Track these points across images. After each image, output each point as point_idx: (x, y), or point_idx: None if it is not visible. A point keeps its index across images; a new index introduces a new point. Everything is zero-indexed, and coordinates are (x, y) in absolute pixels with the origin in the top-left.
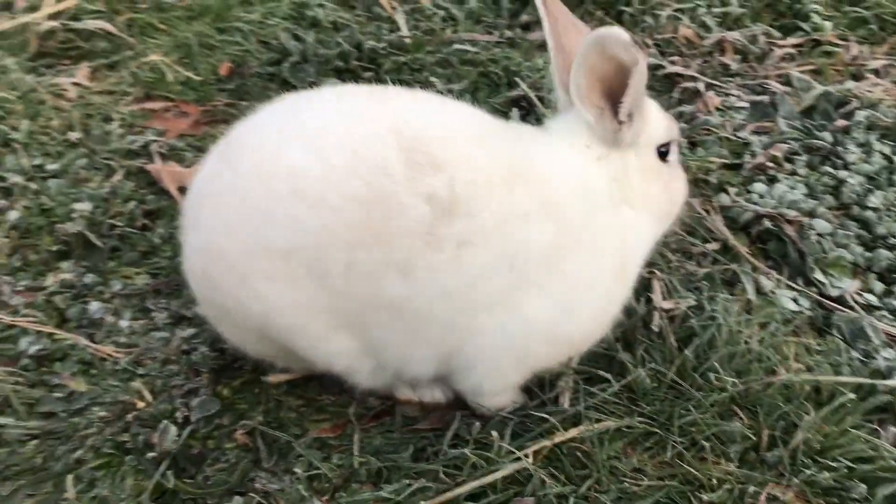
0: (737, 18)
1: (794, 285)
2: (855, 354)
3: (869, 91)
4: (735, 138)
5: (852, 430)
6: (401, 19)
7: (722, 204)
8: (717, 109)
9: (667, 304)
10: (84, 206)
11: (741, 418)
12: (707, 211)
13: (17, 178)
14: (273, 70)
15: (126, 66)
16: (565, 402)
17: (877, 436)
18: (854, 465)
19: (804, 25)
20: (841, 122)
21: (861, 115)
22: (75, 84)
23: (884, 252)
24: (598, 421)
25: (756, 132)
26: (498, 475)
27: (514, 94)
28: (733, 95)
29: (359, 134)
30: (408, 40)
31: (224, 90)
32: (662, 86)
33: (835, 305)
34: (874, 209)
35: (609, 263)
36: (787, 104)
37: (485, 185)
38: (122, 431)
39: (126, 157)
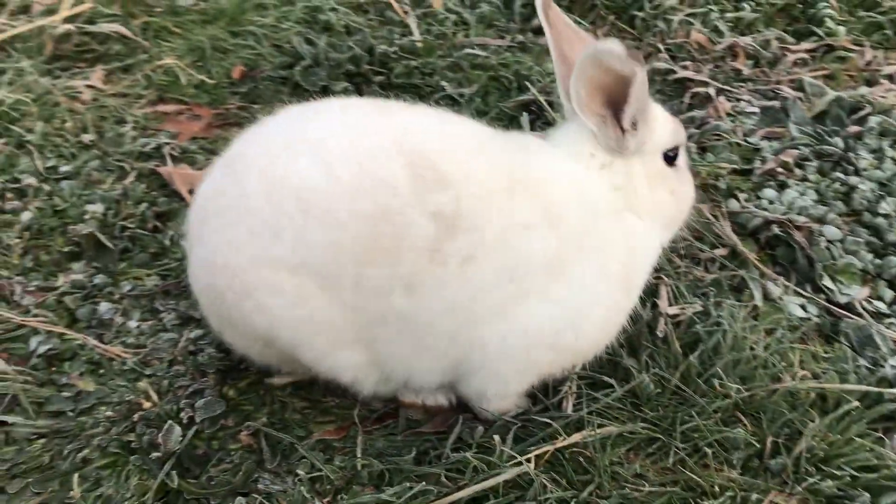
0: (750, 23)
1: (802, 292)
2: (862, 362)
3: (882, 97)
4: (745, 144)
5: (857, 439)
6: (413, 23)
7: (731, 210)
8: (728, 115)
9: (672, 310)
10: (96, 208)
11: (745, 425)
12: (716, 216)
13: (30, 180)
14: (285, 74)
15: (140, 69)
16: (568, 407)
17: (882, 444)
18: (858, 474)
19: (818, 30)
20: (853, 128)
21: (874, 121)
22: (90, 87)
23: (894, 259)
24: (600, 426)
25: (767, 138)
26: (499, 479)
27: (525, 98)
28: (744, 100)
29: (364, 148)
30: (419, 44)
31: (236, 93)
32: (673, 90)
33: (843, 312)
34: (885, 216)
35: (613, 272)
36: (798, 109)
37: (487, 197)
38: (127, 431)
39: (138, 159)
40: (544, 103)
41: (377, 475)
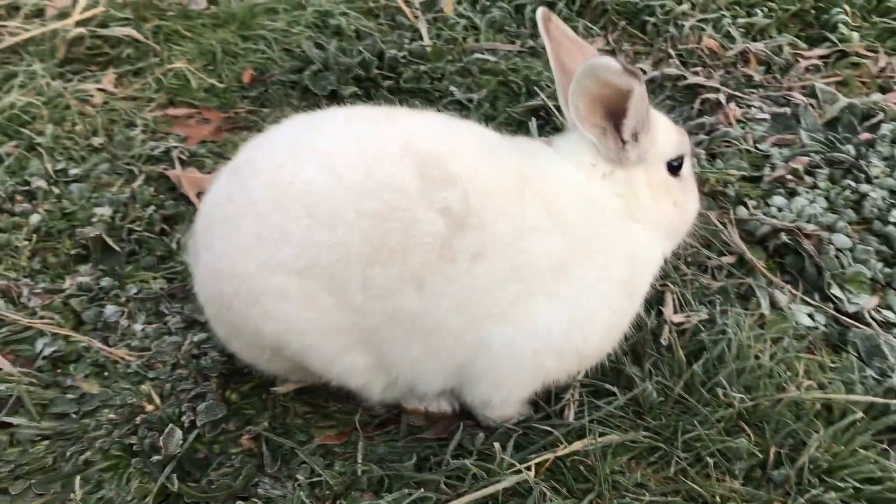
0: (762, 29)
1: (810, 301)
2: (870, 372)
3: (895, 104)
4: (755, 150)
5: (861, 451)
6: (423, 28)
7: (739, 217)
8: (738, 121)
9: (677, 318)
10: (104, 211)
11: (748, 435)
12: (724, 224)
13: (40, 182)
14: (295, 78)
15: (151, 73)
16: (570, 414)
17: (886, 456)
18: (861, 486)
19: (831, 36)
20: (865, 135)
21: (886, 129)
22: (100, 90)
23: None
24: (602, 434)
25: (777, 144)
26: (499, 487)
27: (534, 103)
28: (755, 107)
29: (371, 152)
30: (429, 49)
31: (246, 97)
32: (683, 96)
33: (851, 322)
34: None
35: (616, 276)
36: (810, 116)
37: (496, 196)
38: (130, 434)
39: (147, 162)
40: (553, 109)
41: (377, 481)
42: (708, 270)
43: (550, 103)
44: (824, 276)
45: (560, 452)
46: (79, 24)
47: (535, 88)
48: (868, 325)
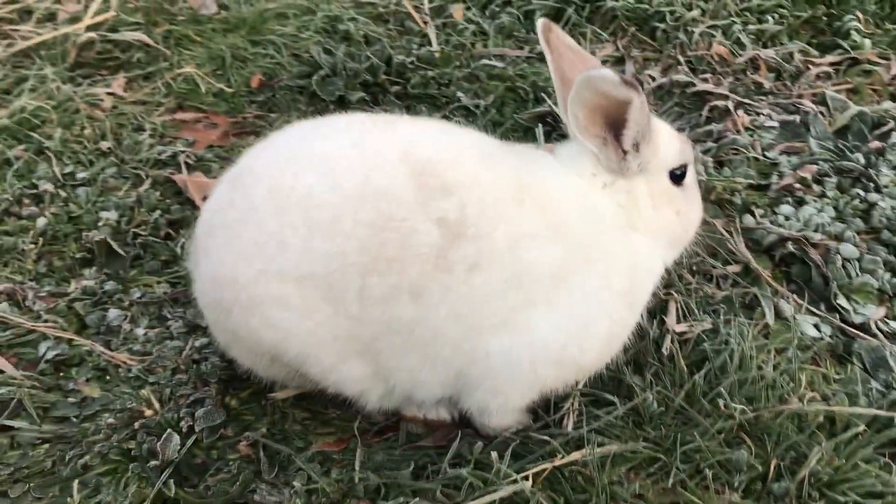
0: (773, 35)
1: (815, 311)
2: (874, 384)
3: None
4: (764, 158)
5: (863, 464)
6: (432, 33)
7: (745, 226)
8: (747, 129)
9: (680, 327)
10: (110, 215)
11: (749, 447)
12: (729, 232)
13: (47, 186)
14: (303, 83)
15: (161, 77)
16: (569, 424)
17: (889, 470)
18: (863, 500)
19: (843, 43)
20: (875, 144)
21: None
22: (110, 94)
23: None
24: (601, 444)
25: (786, 152)
26: (495, 497)
27: (541, 110)
28: (763, 114)
29: (369, 160)
30: (437, 55)
31: (254, 102)
32: (692, 103)
33: (857, 333)
34: None
35: (616, 286)
36: (819, 124)
37: (493, 205)
38: (128, 439)
39: (154, 166)
40: (560, 115)
41: (374, 489)
42: (713, 279)
43: (557, 110)
44: (831, 287)
45: (558, 462)
46: (90, 28)
47: (543, 94)
48: (874, 336)
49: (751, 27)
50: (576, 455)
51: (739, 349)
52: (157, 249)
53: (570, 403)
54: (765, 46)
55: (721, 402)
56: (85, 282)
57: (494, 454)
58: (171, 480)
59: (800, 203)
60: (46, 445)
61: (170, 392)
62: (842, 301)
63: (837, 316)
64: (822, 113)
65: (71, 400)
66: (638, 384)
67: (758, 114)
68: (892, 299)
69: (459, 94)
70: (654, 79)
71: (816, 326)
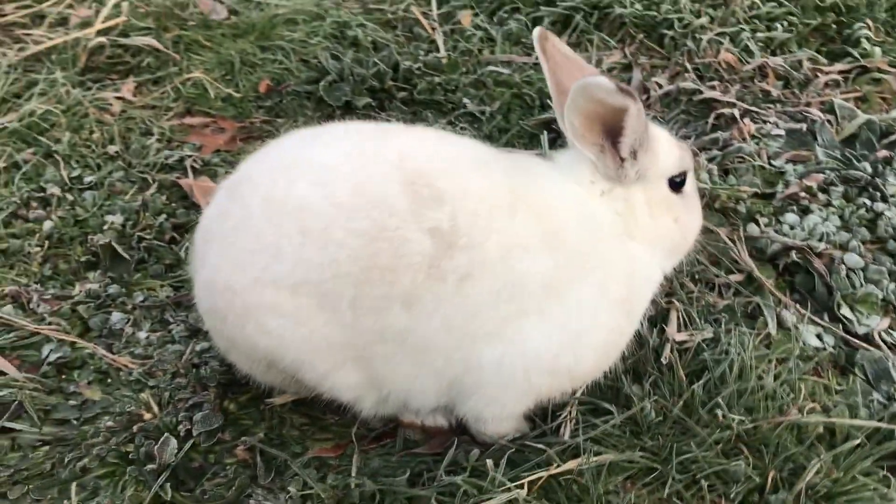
0: (782, 43)
1: (818, 321)
2: (876, 396)
3: None
4: (769, 167)
5: (862, 477)
6: (440, 40)
7: (749, 234)
8: (753, 137)
9: (680, 336)
10: (115, 219)
11: (747, 458)
12: (733, 241)
13: (55, 189)
14: (310, 88)
15: (170, 82)
16: (566, 433)
17: (887, 483)
18: None
19: (853, 51)
20: (883, 153)
21: None
22: (119, 98)
23: None
24: (597, 453)
25: (792, 161)
26: None
27: (547, 116)
28: (770, 122)
29: (363, 169)
30: (444, 61)
31: (262, 107)
32: (698, 111)
33: (860, 343)
34: None
35: (614, 295)
36: (826, 132)
37: (485, 215)
38: (127, 442)
39: (161, 171)
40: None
41: (369, 495)
42: (715, 288)
43: None
44: (834, 296)
45: (553, 471)
46: (100, 33)
47: (549, 101)
48: (878, 347)
49: (760, 35)
50: (571, 464)
51: (739, 359)
52: (162, 253)
53: (568, 412)
54: (773, 54)
55: (719, 413)
56: (89, 285)
57: (490, 462)
58: (168, 484)
59: (805, 212)
60: (46, 447)
61: (169, 396)
62: (845, 311)
63: (840, 326)
64: (829, 121)
65: (72, 402)
66: (636, 393)
67: (764, 122)
68: None
69: (465, 100)
70: (660, 86)
71: (819, 336)
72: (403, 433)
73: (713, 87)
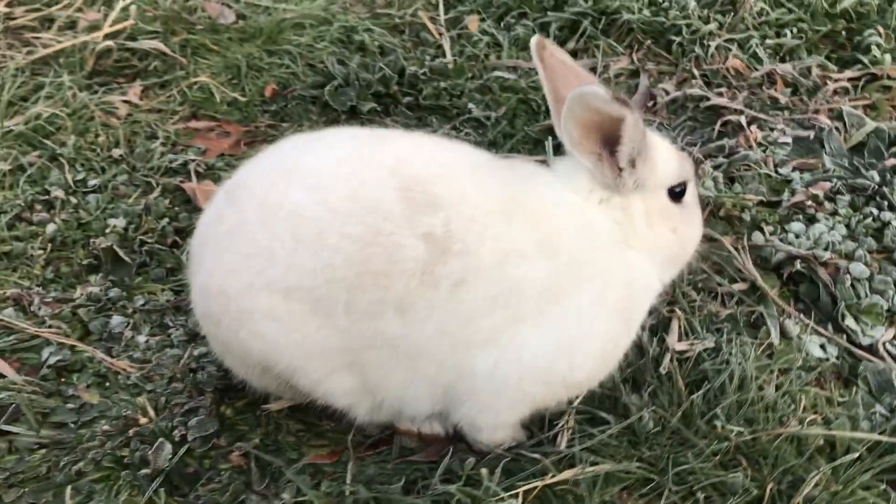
0: (791, 49)
1: (822, 331)
2: (879, 408)
3: None
4: (776, 175)
5: (861, 490)
6: (446, 45)
7: (754, 243)
8: (760, 144)
9: (681, 346)
10: (118, 222)
11: (745, 469)
12: (737, 249)
13: (59, 192)
14: (316, 93)
15: (177, 86)
16: (563, 442)
17: (886, 497)
18: None
19: (863, 58)
20: (891, 161)
21: None
22: (125, 102)
23: None
24: (594, 463)
25: (799, 169)
26: None
27: (552, 122)
28: (777, 130)
29: (358, 175)
30: (450, 66)
31: (267, 111)
32: (705, 117)
33: (864, 354)
34: None
35: (611, 305)
36: (834, 140)
37: (480, 222)
38: (122, 446)
39: (165, 174)
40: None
41: (363, 502)
42: (718, 297)
43: None
44: (839, 306)
45: (548, 480)
46: (108, 36)
47: None
48: (882, 358)
49: (769, 41)
50: (567, 474)
51: (740, 369)
52: (163, 257)
53: (565, 421)
54: (783, 61)
55: (718, 424)
56: (90, 288)
57: (484, 471)
58: (162, 489)
59: (811, 221)
60: (43, 451)
61: (165, 400)
62: (849, 322)
63: (845, 337)
64: (837, 129)
65: (70, 406)
66: (635, 403)
67: (771, 129)
68: None
69: (471, 105)
70: (667, 92)
71: (823, 347)
72: (400, 440)
73: (720, 94)
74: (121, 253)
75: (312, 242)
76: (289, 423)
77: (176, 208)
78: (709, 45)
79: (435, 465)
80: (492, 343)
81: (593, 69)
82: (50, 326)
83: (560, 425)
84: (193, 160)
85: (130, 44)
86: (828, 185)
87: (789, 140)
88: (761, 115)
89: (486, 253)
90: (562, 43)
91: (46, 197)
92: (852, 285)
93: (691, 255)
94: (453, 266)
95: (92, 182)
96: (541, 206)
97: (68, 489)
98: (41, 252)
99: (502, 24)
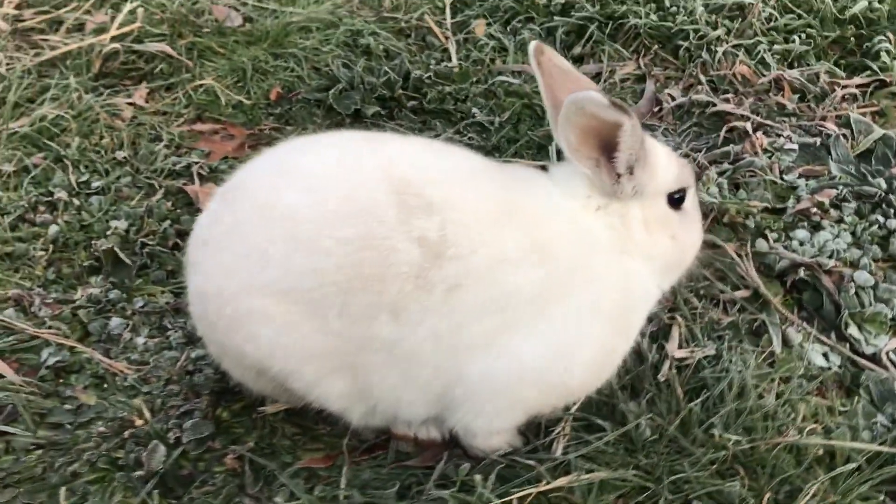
0: (800, 55)
1: (825, 340)
2: (880, 418)
3: None
4: (781, 181)
5: (860, 501)
6: (452, 49)
7: (757, 250)
8: (765, 151)
9: (680, 353)
10: (120, 224)
11: (743, 479)
12: (741, 256)
13: (62, 194)
14: (320, 96)
15: (182, 88)
16: (558, 449)
17: None
18: None
19: (872, 64)
20: None
21: None
22: (131, 104)
23: None
24: (589, 471)
25: (805, 176)
26: None
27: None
28: (784, 136)
29: (353, 178)
30: (455, 70)
31: (272, 114)
32: (711, 123)
33: (867, 363)
34: None
35: (606, 311)
36: (841, 147)
37: (475, 226)
38: (117, 448)
39: (168, 177)
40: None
41: None
42: (720, 304)
43: None
44: (842, 315)
45: (543, 487)
46: (115, 39)
47: None
48: (885, 367)
49: (777, 47)
50: (562, 481)
51: (740, 377)
52: (164, 259)
53: (561, 427)
54: (791, 67)
55: (716, 432)
56: (91, 289)
57: (478, 477)
58: (156, 491)
59: (816, 228)
60: (39, 451)
61: (161, 402)
62: (853, 330)
63: (847, 346)
64: (845, 136)
65: (67, 407)
66: (632, 410)
67: (778, 135)
68: None
69: (475, 109)
70: (673, 98)
71: (825, 356)
72: (395, 445)
73: (727, 100)
74: (122, 255)
75: (307, 245)
76: (284, 427)
77: (178, 211)
78: (716, 51)
79: (430, 470)
80: (486, 348)
81: (599, 74)
82: (50, 327)
83: (556, 432)
84: (197, 163)
85: (137, 46)
86: (833, 192)
87: (795, 146)
88: (768, 122)
89: (480, 258)
90: (568, 48)
91: (50, 198)
92: (856, 294)
93: (691, 262)
94: (448, 270)
95: (95, 184)
96: (537, 211)
97: (63, 490)
98: (43, 253)
99: (508, 29)
